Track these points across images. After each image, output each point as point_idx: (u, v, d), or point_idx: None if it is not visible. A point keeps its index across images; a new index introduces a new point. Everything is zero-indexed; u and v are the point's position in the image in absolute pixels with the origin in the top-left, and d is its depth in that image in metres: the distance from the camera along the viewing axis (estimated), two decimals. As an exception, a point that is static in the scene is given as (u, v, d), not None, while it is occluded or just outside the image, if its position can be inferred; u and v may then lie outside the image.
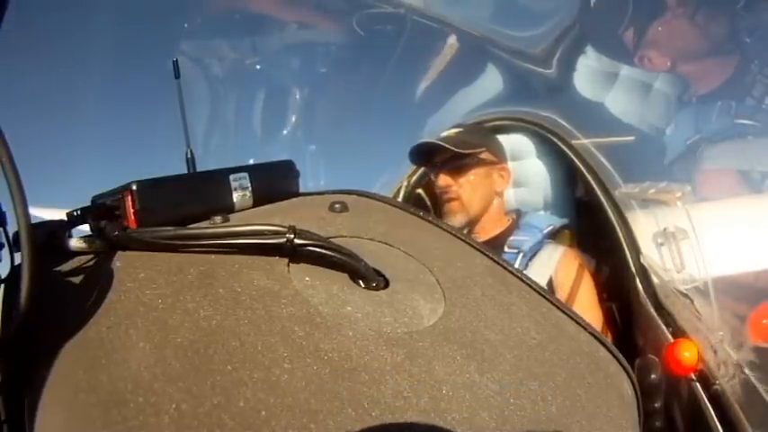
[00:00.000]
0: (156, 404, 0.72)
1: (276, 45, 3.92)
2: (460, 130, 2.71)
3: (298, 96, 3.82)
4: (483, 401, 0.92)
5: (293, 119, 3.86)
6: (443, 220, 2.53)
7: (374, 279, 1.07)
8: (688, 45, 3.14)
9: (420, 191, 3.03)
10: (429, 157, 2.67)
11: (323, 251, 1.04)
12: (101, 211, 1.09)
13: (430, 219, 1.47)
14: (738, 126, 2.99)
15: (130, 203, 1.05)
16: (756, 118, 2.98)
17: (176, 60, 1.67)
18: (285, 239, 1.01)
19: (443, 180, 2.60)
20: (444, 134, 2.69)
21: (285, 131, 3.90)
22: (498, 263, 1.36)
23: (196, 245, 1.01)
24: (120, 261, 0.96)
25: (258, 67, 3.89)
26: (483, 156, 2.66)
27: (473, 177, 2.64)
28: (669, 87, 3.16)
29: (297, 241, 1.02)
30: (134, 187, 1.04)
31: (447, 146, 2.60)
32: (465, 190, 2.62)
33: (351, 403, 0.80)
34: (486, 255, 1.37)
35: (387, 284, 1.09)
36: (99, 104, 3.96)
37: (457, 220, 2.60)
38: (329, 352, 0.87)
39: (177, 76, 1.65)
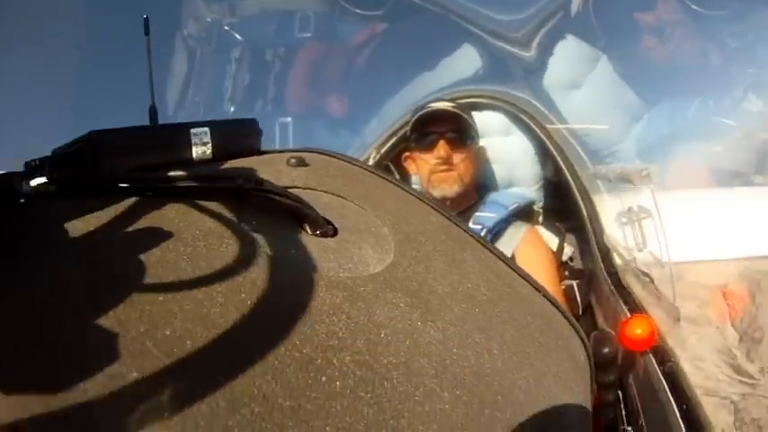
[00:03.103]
0: (85, 330, 0.70)
1: (254, 8, 3.89)
2: (453, 105, 2.70)
3: (273, 64, 3.78)
4: (423, 348, 0.90)
5: (267, 88, 3.82)
6: (436, 189, 2.56)
7: (323, 226, 1.05)
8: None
9: (389, 163, 3.00)
10: (429, 124, 2.64)
11: (272, 196, 1.03)
12: (59, 159, 1.06)
13: (388, 177, 1.46)
14: (715, 124, 3.01)
15: (88, 151, 1.02)
16: (733, 118, 3.01)
17: (147, 17, 1.63)
18: (234, 184, 1.00)
19: (444, 150, 2.57)
20: (442, 106, 2.68)
21: (258, 100, 3.85)
22: (455, 222, 1.34)
23: (148, 188, 0.99)
24: (73, 205, 0.93)
25: (234, 30, 3.86)
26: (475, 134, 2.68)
27: (471, 153, 2.65)
28: (648, 79, 3.18)
29: (246, 186, 1.01)
30: (92, 136, 1.02)
31: (464, 116, 2.62)
32: (465, 164, 2.61)
33: (282, 340, 0.77)
34: (443, 214, 1.35)
35: (335, 233, 1.07)
36: (66, 61, 3.89)
37: (452, 190, 2.59)
38: (265, 290, 0.84)
39: (147, 33, 1.62)
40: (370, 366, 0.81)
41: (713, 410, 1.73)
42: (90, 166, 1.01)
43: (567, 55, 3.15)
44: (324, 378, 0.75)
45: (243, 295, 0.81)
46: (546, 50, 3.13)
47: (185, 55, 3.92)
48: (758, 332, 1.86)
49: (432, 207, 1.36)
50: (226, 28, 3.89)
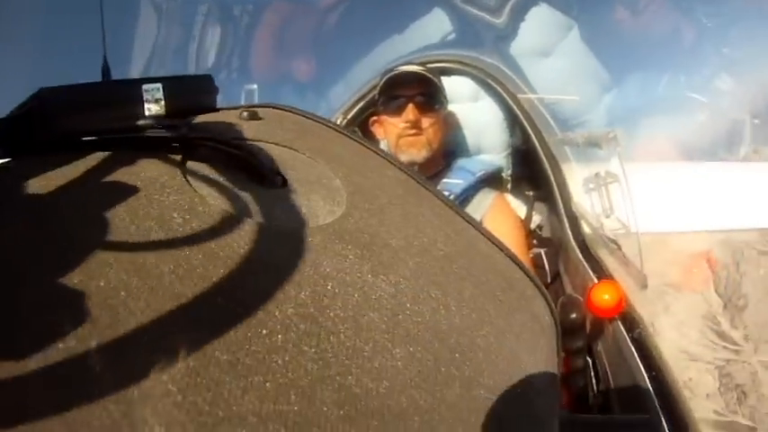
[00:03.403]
0: (21, 280, 0.67)
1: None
2: (423, 68, 2.64)
3: (240, 22, 3.73)
4: (373, 302, 0.85)
5: (233, 54, 3.78)
6: (404, 154, 2.51)
7: (270, 177, 1.01)
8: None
9: (356, 128, 2.95)
10: (397, 87, 2.59)
11: (216, 145, 1.00)
12: (9, 122, 1.01)
13: (344, 131, 1.41)
14: (685, 99, 3.02)
15: (38, 110, 0.96)
16: (703, 94, 3.02)
17: None
18: (178, 133, 0.97)
19: (413, 113, 2.50)
20: (411, 69, 2.63)
21: (223, 67, 3.81)
22: (413, 177, 1.30)
23: (91, 143, 0.96)
24: (22, 165, 0.90)
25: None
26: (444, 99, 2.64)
27: (440, 118, 2.60)
28: (620, 51, 3.18)
29: (190, 135, 0.98)
30: (42, 93, 0.96)
31: (434, 79, 2.57)
32: (434, 128, 2.56)
33: (220, 291, 0.74)
34: (401, 170, 1.31)
35: (285, 184, 1.03)
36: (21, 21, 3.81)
37: (420, 155, 2.54)
38: (205, 239, 0.81)
39: None
40: (315, 319, 0.77)
41: (697, 375, 1.76)
42: (40, 124, 0.96)
43: (539, 22, 3.14)
44: (264, 331, 0.71)
45: (181, 245, 0.78)
46: (517, 17, 3.11)
47: (151, 11, 3.85)
48: (742, 300, 1.88)
49: (390, 162, 1.32)
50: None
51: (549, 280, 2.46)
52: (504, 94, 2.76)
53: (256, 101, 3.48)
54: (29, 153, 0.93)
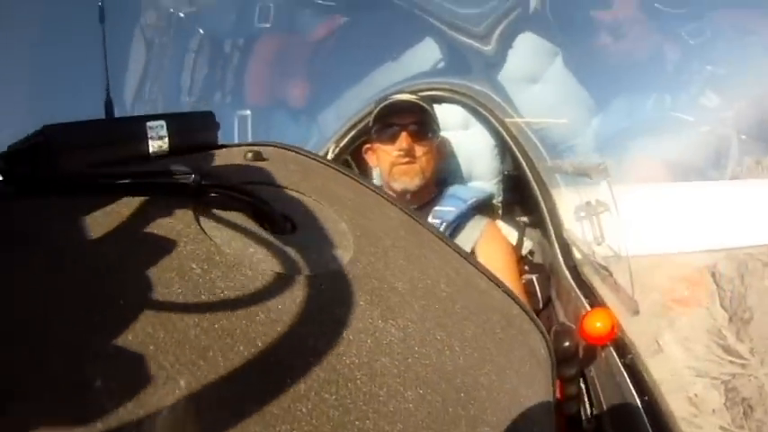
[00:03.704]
0: (45, 336, 0.68)
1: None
2: (416, 97, 2.68)
3: (232, 54, 3.75)
4: (385, 347, 0.89)
5: (225, 80, 3.79)
6: (397, 182, 2.55)
7: (281, 223, 1.04)
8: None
9: (347, 157, 2.99)
10: (392, 115, 2.62)
11: (228, 192, 1.01)
12: (14, 156, 1.02)
13: (346, 171, 1.44)
14: (671, 118, 3.06)
15: (43, 147, 0.97)
16: (689, 112, 3.05)
17: (102, 5, 1.60)
18: (191, 180, 0.98)
19: (406, 142, 2.54)
20: (405, 98, 2.67)
21: (216, 92, 3.82)
22: (414, 218, 1.34)
23: (104, 186, 0.96)
24: (28, 204, 0.90)
25: (193, 19, 3.82)
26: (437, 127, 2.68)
27: (433, 146, 2.63)
28: (606, 75, 3.22)
29: (203, 182, 0.98)
30: (47, 131, 0.97)
31: (427, 108, 2.62)
32: (427, 157, 2.59)
33: (243, 341, 0.76)
34: (401, 209, 1.35)
35: (294, 229, 1.05)
36: (18, 50, 3.82)
37: (413, 183, 2.57)
38: (225, 290, 0.83)
39: (102, 20, 1.58)
40: (333, 367, 0.80)
41: (703, 391, 1.77)
42: (45, 162, 0.97)
43: (526, 49, 3.17)
44: (288, 380, 0.75)
45: (203, 297, 0.80)
46: (505, 44, 3.15)
47: (143, 45, 3.88)
48: (747, 312, 1.89)
49: (390, 202, 1.36)
50: (181, 15, 3.86)
51: (540, 306, 2.49)
52: (494, 121, 2.81)
53: (249, 127, 3.51)
54: (38, 191, 0.94)
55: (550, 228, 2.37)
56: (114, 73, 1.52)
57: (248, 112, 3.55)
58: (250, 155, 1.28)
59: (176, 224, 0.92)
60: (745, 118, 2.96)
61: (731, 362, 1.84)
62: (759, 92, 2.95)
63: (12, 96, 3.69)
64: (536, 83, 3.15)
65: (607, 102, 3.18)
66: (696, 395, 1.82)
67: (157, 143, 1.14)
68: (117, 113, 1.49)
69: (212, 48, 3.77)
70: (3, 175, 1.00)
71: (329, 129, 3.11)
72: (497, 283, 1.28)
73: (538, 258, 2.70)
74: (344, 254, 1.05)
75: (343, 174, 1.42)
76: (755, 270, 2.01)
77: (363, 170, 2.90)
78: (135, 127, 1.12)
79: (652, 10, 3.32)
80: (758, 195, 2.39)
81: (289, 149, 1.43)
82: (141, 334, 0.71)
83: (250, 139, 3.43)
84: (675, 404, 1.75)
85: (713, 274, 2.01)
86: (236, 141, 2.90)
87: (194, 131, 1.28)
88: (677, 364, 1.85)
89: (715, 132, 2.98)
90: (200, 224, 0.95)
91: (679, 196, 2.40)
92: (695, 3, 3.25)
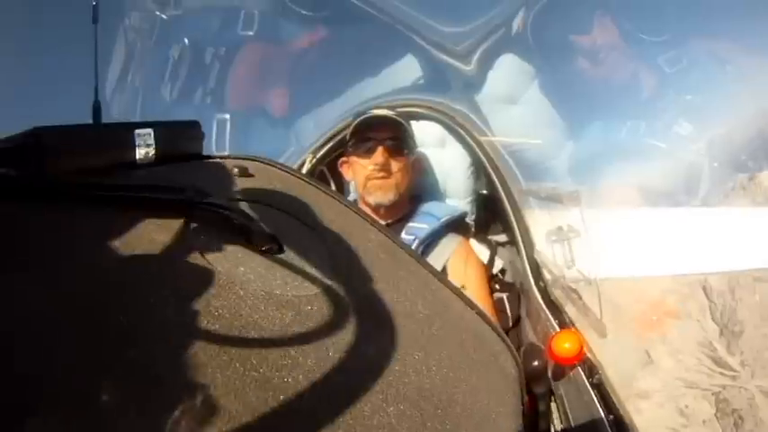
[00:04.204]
0: (44, 351, 0.69)
1: (198, 2, 3.86)
2: (394, 113, 2.72)
3: (214, 60, 3.74)
4: (367, 366, 0.93)
5: (206, 83, 3.78)
6: (371, 196, 2.57)
7: (268, 243, 1.06)
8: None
9: (324, 168, 3.01)
10: (369, 130, 2.65)
11: (220, 211, 1.03)
12: (1, 154, 1.02)
13: (328, 191, 1.48)
14: (645, 145, 3.09)
15: (33, 149, 0.98)
16: (663, 140, 3.09)
17: (97, 3, 1.59)
18: (184, 197, 1.00)
19: (382, 156, 2.57)
20: (383, 113, 2.71)
21: (196, 94, 3.81)
22: (391, 239, 1.37)
23: (97, 196, 0.97)
24: (17, 208, 0.90)
25: (177, 23, 3.81)
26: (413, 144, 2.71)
27: (408, 162, 2.66)
28: (583, 99, 3.25)
29: (195, 200, 1.01)
30: (37, 134, 0.98)
31: (404, 124, 2.65)
32: (402, 172, 2.62)
33: (239, 359, 0.79)
34: (380, 231, 1.37)
35: (280, 250, 1.08)
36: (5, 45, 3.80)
37: (387, 198, 2.60)
38: (220, 309, 0.85)
39: (96, 20, 1.58)
40: (322, 384, 0.83)
41: (694, 402, 1.79)
42: (34, 164, 0.98)
43: (506, 71, 3.20)
44: (282, 396, 0.77)
45: (198, 315, 0.82)
46: (485, 65, 3.18)
47: (124, 46, 3.86)
48: (738, 326, 1.92)
49: (369, 223, 1.39)
50: (165, 17, 3.85)
51: (510, 324, 2.51)
52: (471, 141, 2.84)
53: (228, 131, 3.51)
54: (26, 194, 0.94)
55: (522, 248, 2.39)
56: (90, 71, 1.52)
57: (227, 116, 3.55)
58: (236, 170, 1.30)
59: (169, 240, 0.94)
60: (718, 146, 3.00)
61: (722, 374, 1.87)
62: (732, 121, 2.99)
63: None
64: (514, 104, 3.17)
65: (582, 126, 3.21)
66: (687, 406, 1.85)
67: (144, 151, 1.15)
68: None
69: (195, 52, 3.76)
70: None
71: (307, 139, 3.13)
72: (470, 305, 1.31)
73: (509, 277, 2.72)
74: (328, 275, 1.08)
75: (325, 193, 1.44)
76: (746, 284, 2.05)
77: (338, 183, 2.92)
78: (123, 134, 1.14)
79: (630, 37, 3.36)
80: (728, 222, 2.42)
81: (273, 165, 1.45)
82: (142, 352, 0.73)
83: (228, 144, 3.46)
84: (666, 414, 1.82)
85: (704, 288, 2.04)
86: (214, 145, 2.89)
87: (180, 140, 1.30)
88: (668, 375, 1.88)
89: (687, 160, 3.01)
90: (192, 241, 0.97)
91: (650, 222, 2.43)
92: (673, 31, 3.29)
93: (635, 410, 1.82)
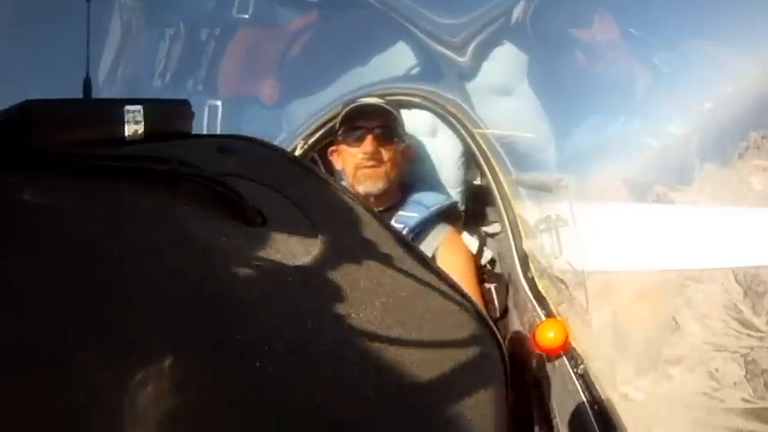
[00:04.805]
0: (29, 317, 0.68)
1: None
2: (384, 101, 2.72)
3: (207, 43, 3.73)
4: (346, 339, 0.92)
5: (199, 68, 3.77)
6: (361, 185, 2.58)
7: (252, 215, 1.06)
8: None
9: (315, 155, 3.00)
10: (358, 118, 2.65)
11: (205, 183, 1.03)
12: None
13: (314, 168, 1.46)
14: (637, 141, 3.10)
15: (22, 122, 0.97)
16: (656, 137, 3.09)
17: None
18: (169, 167, 0.99)
19: (372, 145, 2.57)
20: (372, 101, 2.71)
21: (189, 79, 3.81)
22: (378, 219, 1.36)
23: (81, 167, 0.96)
24: (7, 177, 0.89)
25: (172, 4, 3.81)
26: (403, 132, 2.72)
27: (398, 151, 2.67)
28: (578, 93, 3.24)
29: (180, 171, 1.00)
30: (26, 106, 0.97)
31: (394, 113, 2.66)
32: (391, 161, 2.63)
33: (217, 327, 0.79)
34: (367, 210, 1.37)
35: (264, 223, 1.07)
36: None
37: (377, 187, 2.60)
38: (200, 276, 0.85)
39: None
40: (300, 354, 0.83)
41: (723, 365, 1.79)
42: (22, 137, 0.97)
43: (501, 63, 3.19)
44: (258, 364, 0.77)
45: (178, 281, 0.82)
46: (480, 56, 3.17)
47: (119, 25, 3.85)
48: (761, 286, 1.92)
49: (356, 202, 1.38)
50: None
51: (498, 314, 2.51)
52: (462, 130, 2.84)
53: (219, 117, 3.50)
54: (14, 166, 0.93)
55: (511, 239, 2.39)
56: (83, 50, 1.50)
57: (219, 102, 3.54)
58: (223, 146, 1.29)
59: (154, 210, 0.94)
60: (709, 144, 3.00)
61: (749, 335, 1.87)
62: (724, 121, 3.00)
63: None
64: (508, 96, 3.17)
65: (576, 120, 3.21)
66: (717, 369, 1.85)
67: (133, 127, 1.15)
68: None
69: (188, 34, 3.76)
70: None
71: (299, 125, 3.12)
72: (457, 289, 1.30)
73: (497, 268, 2.73)
74: (311, 249, 1.07)
75: (312, 171, 1.43)
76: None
77: (328, 171, 2.91)
78: (112, 110, 1.13)
79: (628, 34, 3.36)
80: (715, 219, 2.43)
81: (258, 143, 1.44)
82: (120, 315, 0.72)
83: (219, 130, 3.45)
84: (697, 379, 1.82)
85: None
86: (205, 130, 2.89)
87: (170, 119, 1.29)
88: (696, 339, 1.88)
89: (679, 158, 3.02)
90: (175, 212, 0.96)
91: (638, 216, 2.43)
92: (670, 31, 3.29)
93: (665, 377, 1.86)
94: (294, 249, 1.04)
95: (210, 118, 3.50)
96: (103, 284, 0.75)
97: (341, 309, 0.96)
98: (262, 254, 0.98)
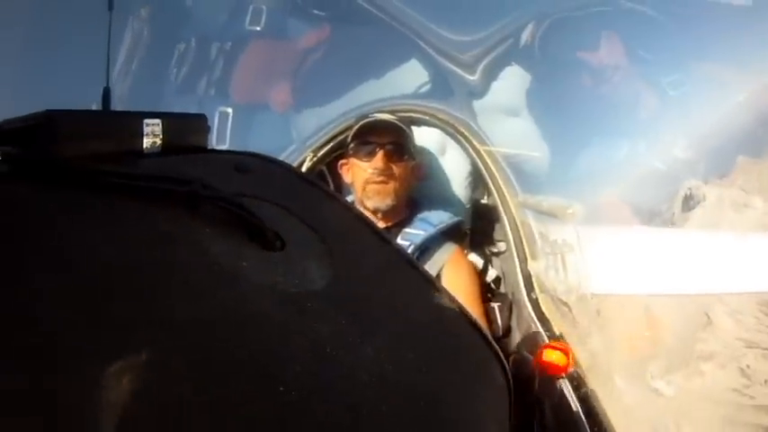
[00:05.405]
0: (54, 340, 0.68)
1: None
2: (396, 118, 2.74)
3: (219, 53, 3.75)
4: (362, 364, 0.93)
5: (212, 74, 3.79)
6: (370, 200, 2.60)
7: (271, 239, 1.06)
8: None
9: (323, 168, 3.02)
10: (370, 133, 2.67)
11: (225, 205, 1.04)
12: (11, 134, 1.00)
13: (328, 190, 1.48)
14: (643, 165, 3.10)
15: (43, 131, 0.97)
16: (662, 161, 3.10)
17: None
18: (191, 189, 1.00)
19: (383, 161, 2.60)
20: (385, 117, 2.72)
21: (200, 85, 3.82)
22: (389, 242, 1.38)
23: (107, 182, 0.96)
24: (29, 189, 0.90)
25: (186, 13, 3.83)
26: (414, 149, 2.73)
27: (408, 167, 2.69)
28: (585, 116, 3.26)
29: (202, 193, 1.01)
30: (50, 115, 0.97)
31: (406, 130, 2.69)
32: (401, 178, 2.65)
33: (241, 351, 0.80)
34: (377, 233, 1.38)
35: (282, 246, 1.08)
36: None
37: (385, 203, 2.63)
38: (225, 300, 0.86)
39: (111, 7, 1.58)
40: (319, 377, 0.84)
41: (755, 362, 1.79)
42: (44, 145, 0.97)
43: (511, 83, 3.21)
44: (281, 388, 0.78)
45: (204, 305, 0.83)
46: (490, 75, 3.19)
47: (132, 33, 3.87)
48: None
49: (368, 225, 1.40)
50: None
51: (500, 334, 2.53)
52: (471, 149, 2.85)
53: (230, 125, 3.52)
54: (35, 176, 0.94)
55: (516, 259, 2.41)
56: (98, 57, 1.52)
57: (230, 109, 3.56)
58: (243, 166, 1.30)
59: (176, 231, 0.95)
60: (715, 169, 3.00)
61: None
62: (731, 145, 3.01)
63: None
64: (516, 116, 3.19)
65: (583, 142, 3.22)
66: (748, 366, 1.85)
67: (151, 140, 1.16)
68: (96, 98, 1.49)
69: (200, 44, 3.78)
70: (1, 156, 1.00)
71: (309, 137, 3.14)
72: (464, 313, 1.32)
73: (501, 287, 2.74)
74: (327, 274, 1.08)
75: (325, 193, 1.45)
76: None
77: (337, 183, 2.94)
78: (132, 123, 1.14)
79: (635, 57, 3.38)
80: (719, 245, 2.43)
81: (274, 162, 1.45)
82: (148, 339, 0.73)
83: (229, 137, 3.47)
84: (729, 375, 1.82)
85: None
86: (215, 137, 2.90)
87: (187, 133, 1.31)
88: (728, 335, 1.88)
89: (684, 182, 3.02)
90: (196, 233, 0.97)
91: (644, 240, 2.44)
92: (677, 55, 3.30)
93: (697, 372, 1.86)
94: (311, 274, 1.06)
95: (221, 124, 3.51)
96: (126, 306, 0.76)
97: (356, 333, 0.98)
98: (282, 279, 0.99)
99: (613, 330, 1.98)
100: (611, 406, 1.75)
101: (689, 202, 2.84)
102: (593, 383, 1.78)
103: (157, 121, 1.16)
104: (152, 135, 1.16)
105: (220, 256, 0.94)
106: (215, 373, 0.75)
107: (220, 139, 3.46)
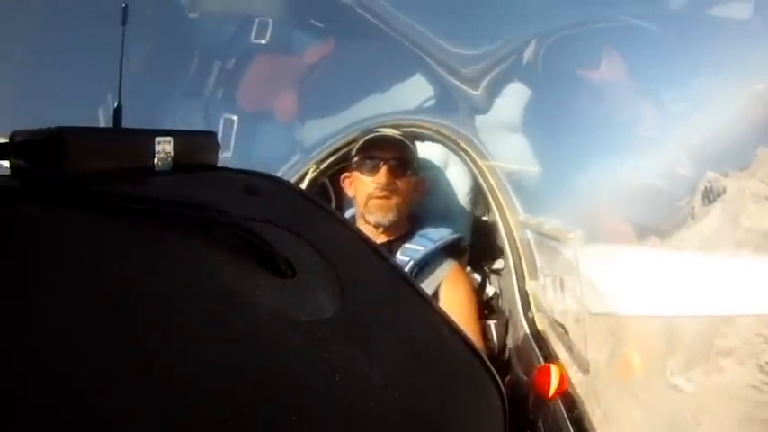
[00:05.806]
0: (74, 370, 0.68)
1: (215, 5, 3.89)
2: (401, 133, 2.77)
3: (225, 67, 3.76)
4: (371, 391, 0.95)
5: (218, 82, 3.80)
6: (372, 215, 2.62)
7: (283, 266, 1.07)
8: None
9: (326, 180, 3.04)
10: (375, 148, 2.70)
11: (240, 233, 1.04)
12: (23, 148, 0.99)
13: (336, 214, 1.49)
14: (645, 183, 3.11)
15: (55, 147, 0.97)
16: (665, 179, 3.11)
17: (126, 6, 1.61)
18: (204, 215, 1.01)
19: (386, 176, 2.62)
20: (390, 133, 2.76)
21: (205, 91, 3.83)
22: (393, 266, 1.39)
23: (121, 205, 0.97)
24: (40, 210, 0.89)
25: (192, 25, 3.84)
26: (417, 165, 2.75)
27: (411, 183, 2.71)
28: (586, 132, 3.26)
29: (216, 219, 1.02)
30: (61, 131, 0.97)
31: (410, 146, 2.72)
32: (404, 193, 2.68)
33: (252, 377, 0.81)
34: (383, 257, 1.40)
35: (294, 273, 1.09)
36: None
37: (387, 218, 2.65)
38: (239, 331, 0.87)
39: (124, 22, 1.59)
40: (332, 406, 0.86)
41: None
42: (54, 161, 0.97)
43: (513, 99, 3.22)
44: (295, 417, 0.80)
45: (220, 335, 0.84)
46: (493, 92, 3.20)
47: (139, 44, 3.89)
48: None
49: (373, 249, 1.41)
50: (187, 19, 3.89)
51: (496, 352, 2.55)
52: (473, 166, 2.87)
53: (234, 132, 3.53)
54: (46, 193, 0.93)
55: (514, 278, 2.43)
56: (104, 67, 1.53)
57: (235, 117, 3.57)
58: (253, 189, 1.31)
59: (190, 258, 0.96)
60: (716, 186, 3.00)
61: None
62: (732, 162, 3.01)
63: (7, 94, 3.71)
64: (518, 132, 3.20)
65: (584, 159, 3.22)
66: (767, 363, 1.86)
67: (163, 158, 1.17)
68: (103, 107, 1.51)
69: (206, 57, 3.79)
70: (11, 169, 1.01)
71: (312, 149, 3.17)
72: (462, 336, 1.34)
73: (499, 305, 2.76)
74: (335, 300, 1.10)
75: (333, 216, 1.47)
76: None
77: (339, 197, 2.96)
78: (143, 141, 1.15)
79: (636, 75, 3.38)
80: (723, 265, 2.44)
81: (284, 185, 1.47)
82: (166, 370, 0.74)
83: (233, 145, 3.49)
84: (747, 372, 1.83)
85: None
86: (227, 167, 2.93)
87: (197, 151, 1.32)
88: (748, 331, 1.89)
89: (685, 200, 3.03)
90: (210, 260, 0.98)
91: (644, 260, 2.45)
92: (679, 72, 3.31)
93: (716, 368, 1.87)
94: (321, 301, 1.07)
95: (225, 132, 3.53)
96: (146, 337, 0.77)
97: (365, 362, 1.00)
98: (294, 308, 1.00)
99: (614, 350, 1.99)
100: (631, 402, 1.76)
101: (708, 196, 2.85)
102: (589, 404, 1.80)
103: (169, 138, 1.17)
104: (163, 153, 1.18)
105: (234, 284, 0.95)
106: (231, 406, 0.76)
107: (224, 147, 3.46)
